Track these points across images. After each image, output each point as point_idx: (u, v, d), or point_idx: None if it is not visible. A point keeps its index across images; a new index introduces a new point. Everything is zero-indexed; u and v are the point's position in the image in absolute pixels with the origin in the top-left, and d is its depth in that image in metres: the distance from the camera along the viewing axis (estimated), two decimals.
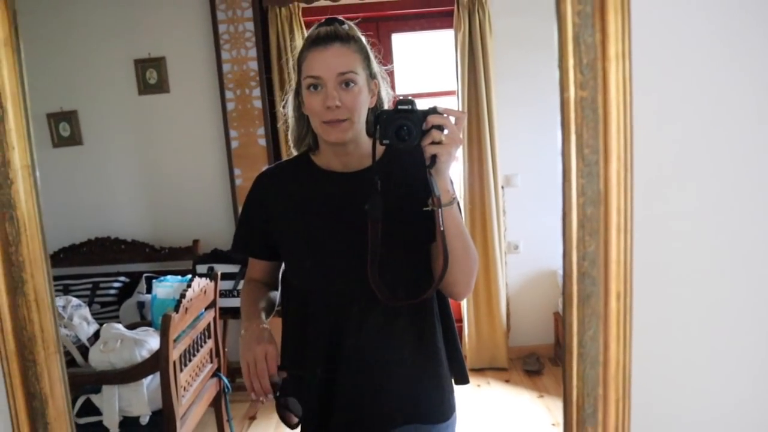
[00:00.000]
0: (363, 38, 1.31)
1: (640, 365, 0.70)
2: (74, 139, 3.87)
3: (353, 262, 1.24)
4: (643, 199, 0.66)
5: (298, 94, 1.33)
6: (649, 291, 0.69)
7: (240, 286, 3.49)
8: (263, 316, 1.37)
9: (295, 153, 1.45)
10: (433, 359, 1.36)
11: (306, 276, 1.35)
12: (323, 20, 1.30)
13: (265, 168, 1.49)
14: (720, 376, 0.77)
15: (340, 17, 1.31)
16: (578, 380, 0.68)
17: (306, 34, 1.32)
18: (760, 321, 0.75)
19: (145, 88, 3.81)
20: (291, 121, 1.41)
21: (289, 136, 1.44)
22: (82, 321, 3.01)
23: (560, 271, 3.00)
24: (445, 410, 1.38)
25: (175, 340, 2.52)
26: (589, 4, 0.60)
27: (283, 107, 1.44)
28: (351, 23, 1.31)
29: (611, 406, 0.68)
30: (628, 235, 0.64)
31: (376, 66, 1.33)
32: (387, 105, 1.37)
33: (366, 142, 1.32)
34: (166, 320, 2.41)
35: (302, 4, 3.63)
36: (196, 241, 3.76)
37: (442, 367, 1.37)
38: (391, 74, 4.03)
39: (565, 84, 0.61)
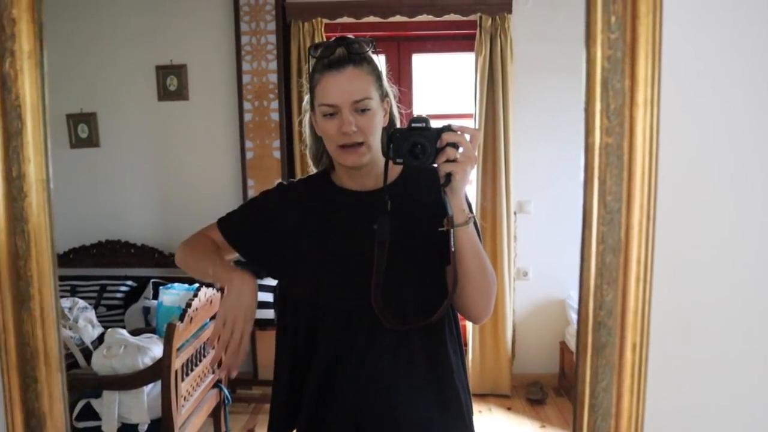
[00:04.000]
0: (374, 57, 1.29)
1: (653, 419, 0.68)
2: (92, 141, 3.89)
3: (364, 282, 1.22)
4: (664, 250, 0.65)
5: (312, 113, 1.32)
6: (666, 343, 0.68)
7: None
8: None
9: (314, 169, 1.44)
10: (447, 388, 1.31)
11: (314, 292, 1.31)
12: (332, 40, 1.27)
13: (287, 181, 1.48)
14: None
15: (350, 35, 1.28)
16: None
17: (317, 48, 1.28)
18: None
19: (164, 94, 3.84)
20: (308, 139, 1.40)
21: (308, 155, 1.43)
22: (87, 324, 3.02)
23: (569, 301, 2.95)
24: None
25: (178, 349, 2.51)
26: (620, 50, 0.59)
27: (300, 124, 1.43)
28: (361, 40, 1.27)
29: None
30: (648, 286, 0.62)
31: (386, 84, 1.32)
32: (399, 122, 1.36)
33: (382, 161, 1.30)
34: (171, 329, 2.40)
35: (325, 20, 3.65)
36: None
37: (456, 394, 1.32)
38: (409, 94, 4.05)
39: (591, 128, 0.59)
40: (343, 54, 1.23)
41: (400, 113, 1.38)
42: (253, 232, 1.39)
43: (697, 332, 0.69)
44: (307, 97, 1.34)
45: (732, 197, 0.66)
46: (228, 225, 1.41)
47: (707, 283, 0.68)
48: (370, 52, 1.27)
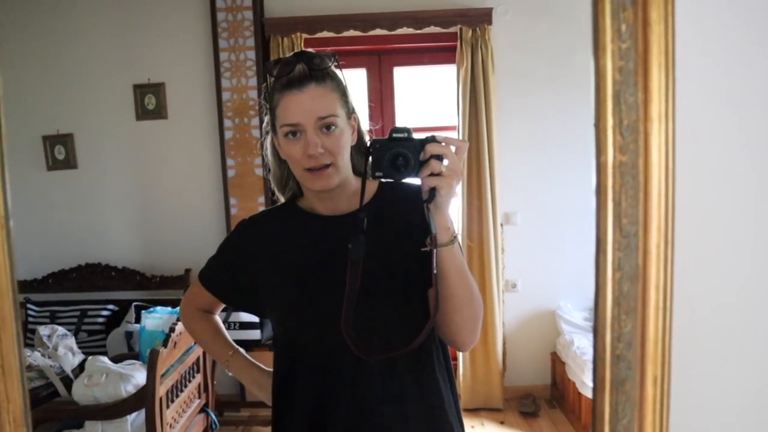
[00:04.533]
0: (338, 72, 1.20)
1: None
2: (69, 163, 3.83)
3: (342, 312, 1.13)
4: (684, 275, 0.61)
5: (274, 135, 1.23)
6: (689, 375, 0.63)
7: (232, 318, 3.42)
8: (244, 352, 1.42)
9: (281, 199, 1.35)
10: (440, 420, 1.24)
11: (293, 328, 1.24)
12: (290, 55, 1.18)
13: (249, 217, 1.39)
14: None
15: (311, 50, 1.20)
16: None
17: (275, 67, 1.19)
18: None
19: (143, 113, 3.78)
20: (271, 165, 1.31)
21: (271, 181, 1.34)
22: (67, 351, 2.93)
23: (559, 311, 2.92)
24: None
25: (162, 375, 2.44)
26: (632, 60, 0.55)
27: (261, 148, 1.32)
28: (323, 55, 1.18)
29: None
30: (668, 314, 0.58)
31: (352, 100, 1.23)
32: (368, 139, 1.26)
33: (354, 182, 1.23)
34: (154, 355, 2.33)
35: (305, 35, 3.61)
36: (188, 271, 3.69)
37: (450, 427, 1.26)
38: (391, 107, 4.01)
39: (603, 146, 0.55)
40: (304, 71, 1.15)
41: (370, 130, 1.29)
42: (228, 280, 1.36)
43: (720, 362, 0.65)
44: (266, 119, 1.25)
45: (754, 215, 0.62)
46: (209, 279, 1.39)
47: (730, 309, 0.64)
48: (332, 67, 1.18)
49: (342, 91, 1.19)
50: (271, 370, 1.34)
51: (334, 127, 1.16)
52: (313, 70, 1.15)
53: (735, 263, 0.64)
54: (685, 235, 0.60)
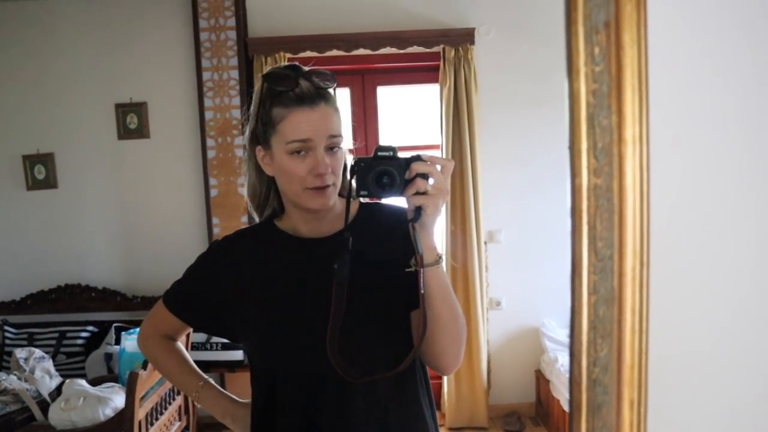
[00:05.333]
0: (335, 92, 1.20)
1: None
2: (49, 183, 3.79)
3: (324, 338, 1.10)
4: (660, 297, 0.60)
5: (255, 149, 1.20)
6: (665, 398, 0.63)
7: (214, 338, 3.38)
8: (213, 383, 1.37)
9: (256, 218, 1.31)
10: None
11: (274, 356, 1.21)
12: (285, 67, 1.16)
13: (222, 237, 1.35)
14: None
15: (323, 69, 1.18)
16: None
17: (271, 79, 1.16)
18: None
19: (124, 132, 3.76)
20: (251, 182, 1.26)
21: (248, 198, 1.29)
22: (45, 374, 2.88)
23: (543, 329, 2.92)
24: None
25: (142, 398, 2.40)
26: (605, 83, 0.55)
27: (246, 163, 1.27)
28: (322, 72, 1.17)
29: None
30: (644, 337, 0.57)
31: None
32: (350, 158, 1.23)
33: (338, 203, 1.21)
34: (133, 378, 2.30)
35: (288, 55, 3.62)
36: None
37: None
38: (375, 127, 4.02)
39: (577, 169, 0.54)
40: (311, 88, 1.14)
41: (351, 150, 1.27)
42: (198, 303, 1.31)
43: (698, 385, 0.64)
44: (247, 132, 1.22)
45: (730, 236, 0.62)
46: (174, 301, 1.33)
47: (707, 331, 0.63)
48: (334, 88, 1.18)
49: (339, 113, 1.19)
50: (244, 401, 1.32)
51: (337, 149, 1.15)
52: (320, 89, 1.15)
53: (711, 285, 0.64)
54: (660, 257, 0.59)
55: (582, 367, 0.57)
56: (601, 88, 0.55)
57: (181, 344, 1.41)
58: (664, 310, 0.60)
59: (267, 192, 1.26)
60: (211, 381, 1.37)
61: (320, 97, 1.14)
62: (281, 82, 1.15)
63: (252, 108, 1.21)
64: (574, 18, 0.54)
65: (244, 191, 1.32)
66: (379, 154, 1.07)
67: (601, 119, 0.55)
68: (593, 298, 0.56)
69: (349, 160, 1.23)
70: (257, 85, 1.21)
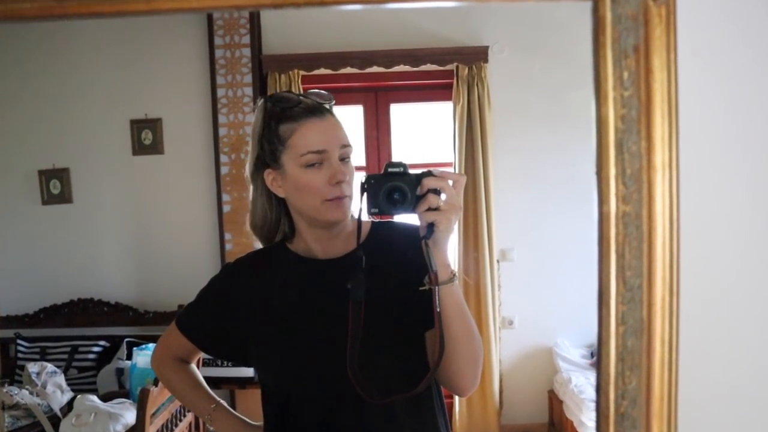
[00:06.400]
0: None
1: None
2: (64, 197, 3.81)
3: (341, 358, 1.09)
4: (691, 329, 0.59)
5: (264, 174, 1.18)
6: None
7: None
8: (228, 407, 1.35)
9: (259, 243, 1.29)
10: None
11: (290, 378, 1.20)
12: (282, 93, 1.18)
13: (235, 260, 1.33)
14: None
15: (323, 91, 1.19)
16: None
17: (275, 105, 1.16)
18: None
19: (139, 148, 3.77)
20: (261, 210, 1.24)
21: (256, 227, 1.26)
22: (56, 389, 2.88)
23: (556, 348, 2.88)
24: None
25: (152, 415, 2.39)
26: (635, 108, 0.54)
27: (256, 190, 1.24)
28: (318, 93, 1.18)
29: None
30: (674, 369, 0.56)
31: None
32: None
33: (349, 222, 1.20)
34: (144, 395, 2.28)
35: (302, 72, 3.64)
36: (181, 306, 3.64)
37: None
38: (387, 144, 4.02)
39: (605, 196, 0.53)
40: (317, 104, 1.15)
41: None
42: (210, 326, 1.30)
43: (728, 419, 0.62)
44: (249, 165, 1.21)
45: (761, 265, 0.61)
46: (187, 324, 1.32)
47: (739, 363, 0.62)
48: (331, 106, 1.19)
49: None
50: (256, 423, 1.30)
51: (347, 159, 1.15)
52: (323, 104, 1.16)
53: (744, 315, 0.62)
54: (690, 287, 0.58)
55: (610, 400, 0.55)
56: (630, 113, 0.54)
57: (194, 366, 1.40)
58: (695, 341, 0.59)
59: (278, 217, 1.25)
60: (224, 403, 1.36)
61: (325, 109, 1.16)
62: (285, 101, 1.16)
63: (253, 136, 1.20)
64: (603, 42, 0.53)
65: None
66: (390, 170, 1.06)
67: (630, 145, 0.54)
68: (621, 328, 0.55)
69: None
70: (256, 114, 1.21)
